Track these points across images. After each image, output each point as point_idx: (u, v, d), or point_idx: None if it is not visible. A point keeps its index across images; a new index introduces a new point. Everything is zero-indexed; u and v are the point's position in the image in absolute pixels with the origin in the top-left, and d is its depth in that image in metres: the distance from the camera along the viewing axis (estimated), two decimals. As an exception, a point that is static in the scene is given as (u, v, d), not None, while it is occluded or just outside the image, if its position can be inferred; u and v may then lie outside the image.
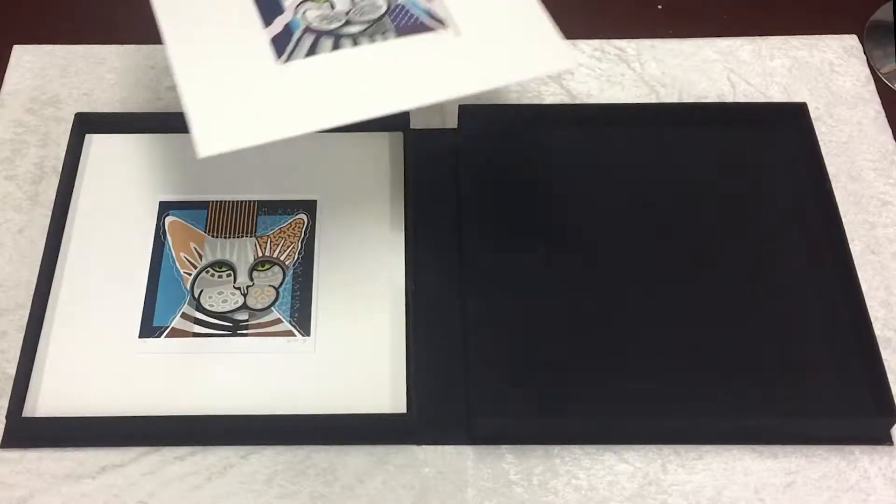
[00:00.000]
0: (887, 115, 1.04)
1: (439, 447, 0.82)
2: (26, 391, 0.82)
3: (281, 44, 0.79)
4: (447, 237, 0.92)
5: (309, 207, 0.93)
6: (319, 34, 0.79)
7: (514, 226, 0.92)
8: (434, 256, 0.91)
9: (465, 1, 0.83)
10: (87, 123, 0.98)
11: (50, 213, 0.91)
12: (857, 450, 0.82)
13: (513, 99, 1.04)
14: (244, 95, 0.75)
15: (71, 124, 0.97)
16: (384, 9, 0.82)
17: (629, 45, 1.09)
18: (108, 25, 2.05)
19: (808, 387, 0.83)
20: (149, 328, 0.85)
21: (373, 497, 0.79)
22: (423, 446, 0.82)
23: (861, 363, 0.84)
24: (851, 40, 1.09)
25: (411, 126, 0.98)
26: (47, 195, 0.94)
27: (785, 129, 0.99)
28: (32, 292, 0.87)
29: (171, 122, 0.98)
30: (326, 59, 0.78)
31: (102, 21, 2.09)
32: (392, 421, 0.82)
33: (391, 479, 0.80)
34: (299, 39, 0.78)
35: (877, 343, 0.83)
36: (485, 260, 0.90)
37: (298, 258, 0.90)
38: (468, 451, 0.82)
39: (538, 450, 0.82)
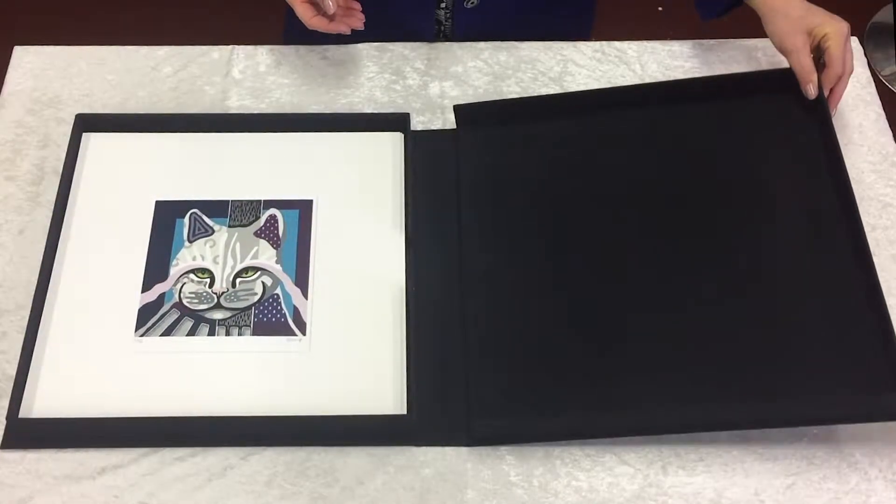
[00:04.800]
0: (888, 118, 1.04)
1: (440, 448, 0.82)
2: (24, 392, 0.82)
3: (145, 315, 0.87)
4: (447, 237, 0.92)
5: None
6: (183, 314, 0.87)
7: (514, 226, 0.92)
8: (434, 256, 0.91)
9: (329, 320, 0.87)
10: (87, 124, 0.98)
11: (50, 214, 0.91)
12: (857, 451, 0.82)
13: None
14: (94, 369, 0.84)
15: (71, 125, 0.97)
16: (258, 296, 0.87)
17: (629, 47, 1.09)
18: (108, 26, 2.05)
19: (824, 364, 0.81)
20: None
21: (373, 498, 0.79)
22: (424, 447, 0.82)
23: (878, 339, 0.81)
24: (852, 42, 1.09)
25: (411, 127, 0.98)
26: (48, 196, 0.94)
27: (791, 97, 0.94)
28: (33, 293, 0.87)
29: (170, 123, 0.99)
30: (177, 342, 0.85)
31: (103, 22, 2.09)
32: (392, 422, 0.82)
33: (391, 480, 0.80)
34: (164, 315, 0.86)
35: (889, 316, 0.81)
36: (485, 260, 0.89)
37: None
38: (468, 452, 0.82)
39: (538, 451, 0.82)
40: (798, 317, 0.84)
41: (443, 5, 1.09)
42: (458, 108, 0.97)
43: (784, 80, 0.94)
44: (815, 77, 0.91)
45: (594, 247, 0.90)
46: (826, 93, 0.93)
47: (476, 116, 0.97)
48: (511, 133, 0.97)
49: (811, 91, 0.92)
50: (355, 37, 1.01)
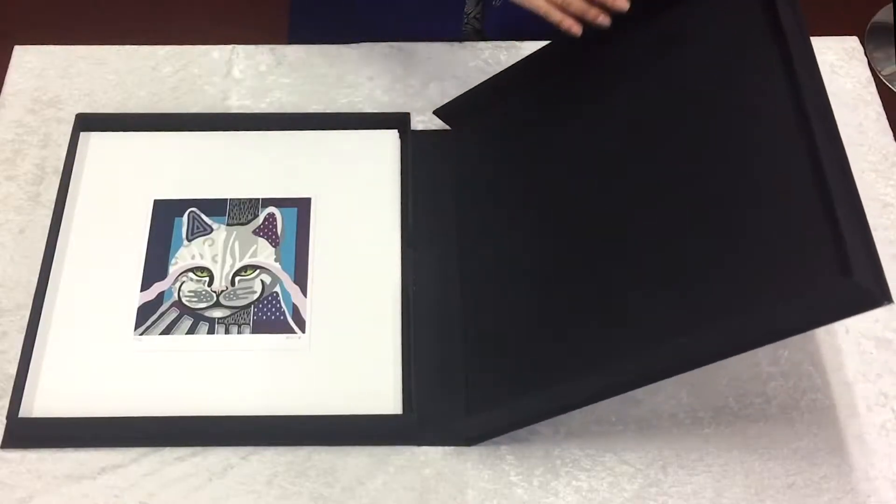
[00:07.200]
0: (888, 117, 1.04)
1: (440, 448, 0.82)
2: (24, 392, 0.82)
3: (145, 314, 0.87)
4: (446, 236, 0.91)
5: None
6: (182, 312, 0.86)
7: (512, 223, 0.91)
8: (432, 255, 0.91)
9: (328, 318, 0.87)
10: (87, 124, 0.98)
11: (50, 214, 0.91)
12: (857, 451, 0.82)
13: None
14: (94, 369, 0.84)
15: (72, 125, 0.97)
16: (257, 294, 0.87)
17: (630, 47, 1.09)
18: (108, 26, 2.05)
19: (776, 268, 0.70)
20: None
21: (373, 498, 0.79)
22: (424, 447, 0.82)
23: (822, 224, 0.67)
24: (852, 42, 1.09)
25: (411, 127, 0.98)
26: (48, 196, 0.94)
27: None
28: (33, 293, 0.87)
29: (170, 123, 0.99)
30: (177, 341, 0.85)
31: (103, 22, 2.09)
32: (392, 421, 0.82)
33: (392, 480, 0.80)
34: (163, 314, 0.86)
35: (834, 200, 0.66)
36: (483, 259, 0.89)
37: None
38: (468, 451, 0.82)
39: (538, 450, 0.82)
40: (744, 218, 0.73)
41: (467, 10, 1.08)
42: (438, 112, 0.97)
43: None
44: None
45: (595, 244, 0.85)
46: None
47: (459, 112, 0.96)
48: (497, 118, 0.95)
49: None
50: (381, 37, 1.00)
